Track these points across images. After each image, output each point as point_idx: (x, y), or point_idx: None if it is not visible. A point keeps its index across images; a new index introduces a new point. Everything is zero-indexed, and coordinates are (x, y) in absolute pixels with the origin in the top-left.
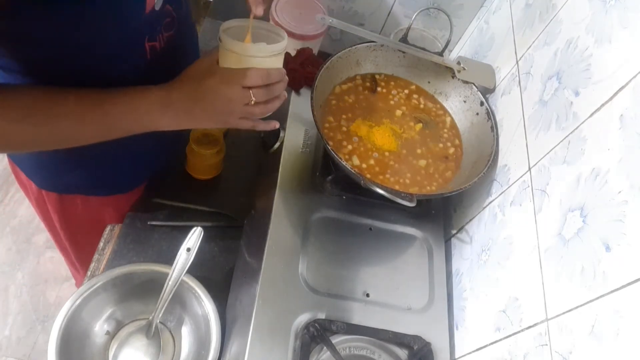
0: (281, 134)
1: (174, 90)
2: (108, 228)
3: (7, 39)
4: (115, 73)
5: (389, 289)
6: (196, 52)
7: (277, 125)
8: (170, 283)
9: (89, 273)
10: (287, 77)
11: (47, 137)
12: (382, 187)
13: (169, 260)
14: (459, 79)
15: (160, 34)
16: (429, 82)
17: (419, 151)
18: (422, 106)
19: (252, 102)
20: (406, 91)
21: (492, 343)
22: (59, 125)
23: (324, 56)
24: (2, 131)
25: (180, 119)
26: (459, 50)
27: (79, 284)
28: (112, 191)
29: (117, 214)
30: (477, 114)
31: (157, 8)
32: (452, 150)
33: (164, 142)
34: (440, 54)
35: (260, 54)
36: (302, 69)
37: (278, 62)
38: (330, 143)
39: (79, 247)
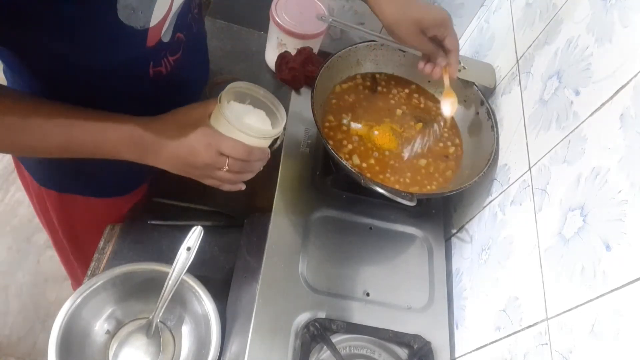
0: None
1: (150, 130)
2: (108, 227)
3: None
4: (119, 94)
5: (389, 288)
6: (205, 68)
7: (242, 187)
8: (170, 282)
9: (89, 272)
10: (269, 156)
11: (14, 145)
12: (382, 187)
13: (169, 259)
14: (459, 79)
15: (166, 59)
16: (429, 82)
17: (419, 150)
18: (422, 105)
19: (225, 170)
20: (406, 90)
21: (492, 342)
22: (24, 136)
23: (324, 55)
24: None
25: (145, 157)
26: (459, 50)
27: (75, 284)
28: (112, 193)
29: (117, 214)
30: (478, 113)
31: (165, 40)
32: (452, 149)
33: None
34: None
35: (251, 133)
36: (303, 68)
37: (265, 143)
38: (331, 142)
39: (77, 246)
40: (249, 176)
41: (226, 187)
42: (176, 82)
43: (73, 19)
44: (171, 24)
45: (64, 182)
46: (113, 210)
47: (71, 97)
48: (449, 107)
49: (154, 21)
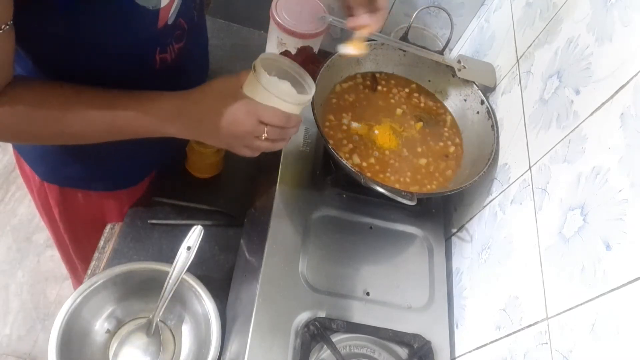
0: None
1: (189, 102)
2: (108, 227)
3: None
4: (124, 80)
5: (389, 288)
6: (206, 60)
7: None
8: (170, 282)
9: (89, 271)
10: (301, 122)
11: (55, 132)
12: (382, 186)
13: (169, 258)
14: (459, 78)
15: (171, 46)
16: (429, 81)
17: (419, 150)
18: (422, 105)
19: (263, 138)
20: (407, 90)
21: (492, 342)
22: (67, 124)
23: (325, 55)
24: (12, 122)
25: (187, 131)
26: (460, 49)
27: (75, 282)
28: (114, 186)
29: (118, 210)
30: (478, 112)
31: (169, 22)
32: (452, 149)
33: (167, 139)
34: (441, 52)
35: (288, 99)
36: (302, 64)
37: (298, 110)
38: (331, 142)
39: (78, 243)
40: (282, 144)
41: (257, 154)
42: (178, 73)
43: None
44: (176, 8)
45: (66, 177)
46: (115, 205)
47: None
48: (350, 49)
49: (163, 2)
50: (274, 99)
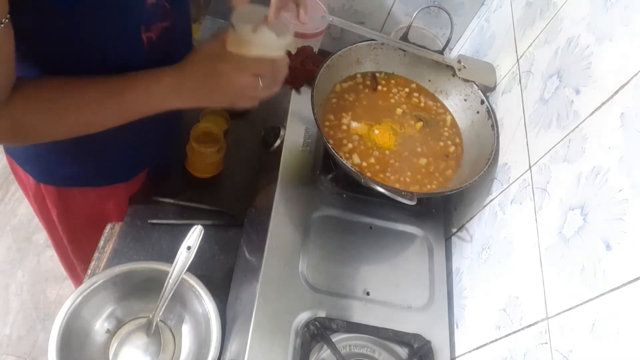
0: (281, 133)
1: (186, 72)
2: (108, 226)
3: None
4: (116, 62)
5: (389, 288)
6: (189, 43)
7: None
8: (170, 281)
9: (89, 271)
10: (288, 63)
11: (70, 126)
12: (382, 186)
13: (170, 258)
14: (459, 78)
15: (155, 24)
16: (429, 81)
17: (419, 149)
18: (422, 105)
19: (260, 88)
20: (407, 89)
21: (492, 341)
22: (82, 114)
23: (325, 54)
24: (28, 122)
25: (192, 99)
26: (460, 49)
27: (75, 283)
28: (110, 181)
29: (116, 207)
30: (478, 112)
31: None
32: (452, 148)
33: (161, 132)
34: (441, 52)
35: (271, 45)
36: (303, 67)
37: (282, 51)
38: (331, 141)
39: (77, 243)
40: (277, 88)
41: (257, 103)
42: (164, 54)
43: None
44: None
45: (62, 176)
46: (113, 202)
47: (68, 70)
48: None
49: None
50: (257, 49)
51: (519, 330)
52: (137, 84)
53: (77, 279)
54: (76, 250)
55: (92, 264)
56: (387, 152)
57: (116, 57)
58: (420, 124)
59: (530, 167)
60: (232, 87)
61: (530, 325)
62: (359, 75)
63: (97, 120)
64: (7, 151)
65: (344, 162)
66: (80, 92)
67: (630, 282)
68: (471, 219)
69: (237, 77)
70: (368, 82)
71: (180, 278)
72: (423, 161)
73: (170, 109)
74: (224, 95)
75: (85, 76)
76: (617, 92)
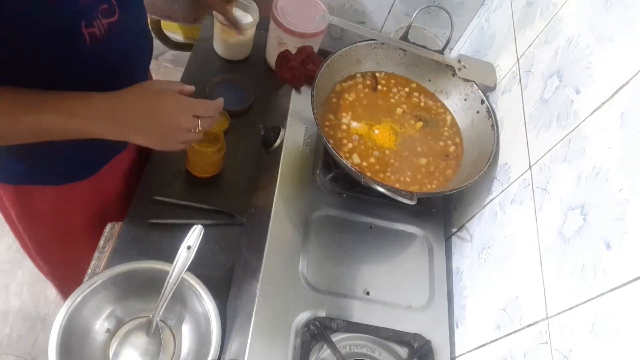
0: (281, 132)
1: (122, 100)
2: (108, 226)
3: None
4: (58, 60)
5: (389, 287)
6: (147, 40)
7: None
8: (170, 281)
9: (89, 271)
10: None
11: None
12: (382, 185)
13: (170, 258)
14: (459, 77)
15: (98, 20)
16: (429, 80)
17: (419, 149)
18: (422, 104)
19: (198, 130)
20: (407, 89)
21: (492, 341)
22: None
23: (325, 54)
24: None
25: (119, 131)
26: (460, 48)
27: (58, 286)
28: (68, 179)
29: (81, 207)
30: (478, 112)
31: None
32: (452, 148)
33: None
34: (441, 52)
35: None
36: (303, 67)
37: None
38: (331, 141)
39: (39, 244)
40: (208, 127)
41: (186, 147)
42: (114, 51)
43: None
44: None
45: (18, 173)
46: (74, 201)
47: (10, 71)
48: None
49: None
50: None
51: (519, 330)
52: (59, 101)
53: (49, 279)
54: (39, 251)
55: (92, 263)
56: (387, 151)
57: (55, 54)
58: (420, 123)
59: (530, 167)
60: (172, 125)
61: (530, 325)
62: (359, 75)
63: (9, 132)
64: None
65: (344, 161)
66: None
67: (630, 282)
68: (471, 218)
69: (179, 116)
70: (368, 82)
71: (180, 278)
72: (423, 161)
73: (94, 136)
74: (159, 132)
75: (6, 86)
76: (617, 92)
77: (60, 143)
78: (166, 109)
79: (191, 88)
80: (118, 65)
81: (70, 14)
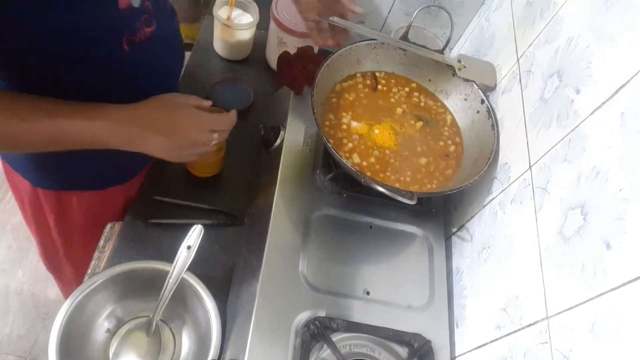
0: (281, 132)
1: (137, 113)
2: (108, 226)
3: None
4: (99, 68)
5: (389, 287)
6: (179, 44)
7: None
8: (170, 281)
9: (89, 271)
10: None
11: (5, 141)
12: (382, 185)
13: (170, 258)
14: (459, 77)
15: (142, 30)
16: (429, 80)
17: (419, 149)
18: (422, 104)
19: (213, 144)
20: (407, 89)
21: (492, 341)
22: (9, 130)
23: (325, 54)
24: None
25: (134, 143)
26: (460, 48)
27: (60, 284)
28: (107, 184)
29: (113, 210)
30: (478, 112)
31: (135, 5)
32: (452, 148)
33: None
34: (441, 52)
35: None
36: (303, 67)
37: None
38: (331, 141)
39: (70, 246)
40: (223, 138)
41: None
42: (150, 61)
43: None
44: None
45: (60, 179)
46: (109, 205)
47: (38, 77)
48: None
49: None
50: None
51: (519, 329)
52: (76, 112)
53: (65, 282)
54: (68, 253)
55: (92, 263)
56: (387, 151)
57: (97, 61)
58: (420, 123)
59: (530, 167)
60: (188, 139)
61: (530, 325)
62: (359, 75)
63: (26, 142)
64: (3, 157)
65: (344, 161)
66: (11, 108)
67: (630, 282)
68: (471, 218)
69: (196, 132)
70: (368, 82)
71: (180, 277)
72: (423, 161)
73: (109, 147)
74: (174, 145)
75: (25, 94)
76: (617, 92)
77: (99, 152)
78: (182, 123)
79: (208, 103)
80: (153, 73)
81: (111, 24)
